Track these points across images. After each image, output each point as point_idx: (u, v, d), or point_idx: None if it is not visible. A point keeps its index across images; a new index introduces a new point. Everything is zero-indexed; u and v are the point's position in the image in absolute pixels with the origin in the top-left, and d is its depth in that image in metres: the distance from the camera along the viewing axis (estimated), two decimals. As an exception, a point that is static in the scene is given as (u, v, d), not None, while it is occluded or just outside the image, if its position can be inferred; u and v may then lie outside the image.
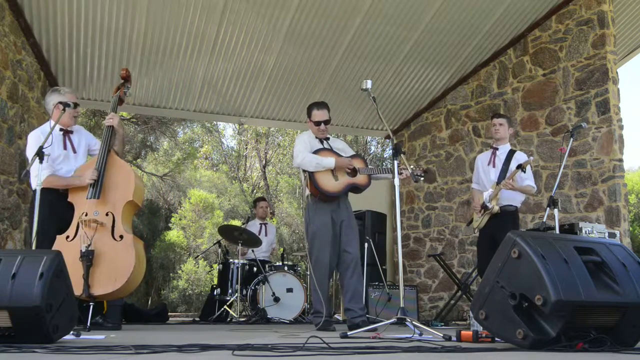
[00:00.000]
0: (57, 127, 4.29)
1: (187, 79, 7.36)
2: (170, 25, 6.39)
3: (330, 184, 4.37)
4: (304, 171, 4.41)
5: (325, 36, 6.82)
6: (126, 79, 4.56)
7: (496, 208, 4.84)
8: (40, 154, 3.68)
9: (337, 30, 6.75)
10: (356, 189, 4.47)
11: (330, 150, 4.52)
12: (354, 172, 4.44)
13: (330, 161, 4.36)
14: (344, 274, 4.41)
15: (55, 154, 4.21)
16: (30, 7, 5.93)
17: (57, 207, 4.08)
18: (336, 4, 6.33)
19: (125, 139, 4.55)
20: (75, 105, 4.36)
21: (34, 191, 4.20)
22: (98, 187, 3.99)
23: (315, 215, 4.42)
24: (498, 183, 4.88)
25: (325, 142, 4.59)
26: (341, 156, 4.49)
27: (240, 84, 7.57)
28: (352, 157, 4.53)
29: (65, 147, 4.30)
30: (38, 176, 3.73)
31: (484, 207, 4.92)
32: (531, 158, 4.89)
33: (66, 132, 4.35)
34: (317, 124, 4.53)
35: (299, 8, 6.34)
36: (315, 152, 4.44)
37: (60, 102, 4.17)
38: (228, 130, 20.77)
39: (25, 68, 6.13)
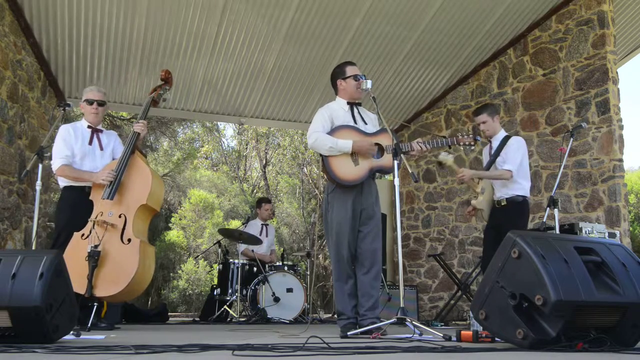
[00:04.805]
0: (85, 124, 4.41)
1: (187, 79, 7.36)
2: (170, 25, 6.39)
3: (347, 170, 3.69)
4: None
5: (325, 36, 6.81)
6: (166, 80, 4.48)
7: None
8: (40, 153, 3.71)
9: (337, 30, 6.74)
10: (382, 171, 3.86)
11: (354, 128, 3.79)
12: (380, 150, 3.77)
13: (346, 144, 3.66)
14: (357, 270, 3.80)
15: (77, 150, 4.26)
16: (30, 7, 5.92)
17: (81, 205, 4.11)
18: (336, 4, 6.33)
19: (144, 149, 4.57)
20: (92, 101, 4.41)
21: (62, 189, 4.27)
22: (113, 188, 3.98)
23: (333, 205, 3.77)
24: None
25: (356, 108, 3.92)
26: (366, 134, 3.77)
27: (240, 84, 7.56)
28: (377, 133, 3.83)
29: (91, 143, 4.34)
30: (39, 175, 3.77)
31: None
32: (449, 156, 4.67)
33: (95, 130, 4.41)
34: (356, 78, 3.86)
35: (299, 8, 6.33)
36: (335, 130, 3.77)
37: (60, 104, 4.25)
38: (228, 130, 20.81)
39: (25, 68, 6.13)
